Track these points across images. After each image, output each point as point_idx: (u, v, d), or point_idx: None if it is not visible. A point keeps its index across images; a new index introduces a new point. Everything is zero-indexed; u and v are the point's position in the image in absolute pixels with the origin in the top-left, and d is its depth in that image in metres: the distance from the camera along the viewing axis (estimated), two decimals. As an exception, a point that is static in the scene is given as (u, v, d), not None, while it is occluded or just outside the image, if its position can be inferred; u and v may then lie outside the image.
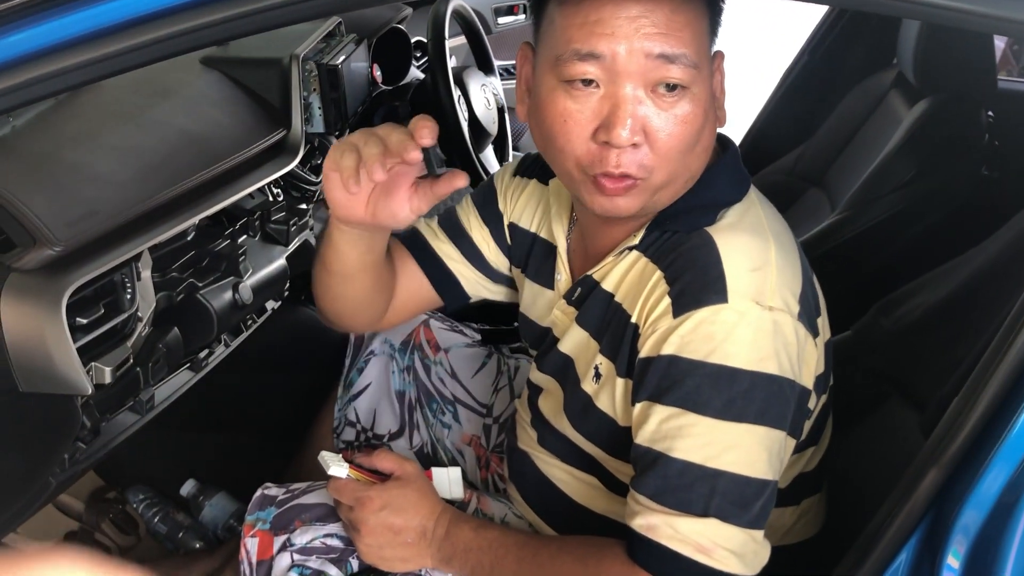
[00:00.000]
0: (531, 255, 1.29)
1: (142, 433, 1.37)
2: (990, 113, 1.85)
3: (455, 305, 1.37)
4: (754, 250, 1.01)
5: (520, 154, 2.37)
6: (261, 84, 1.54)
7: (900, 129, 1.83)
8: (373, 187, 1.07)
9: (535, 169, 1.31)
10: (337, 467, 1.17)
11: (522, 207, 1.31)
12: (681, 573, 0.98)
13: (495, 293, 1.38)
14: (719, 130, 1.09)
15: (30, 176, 1.12)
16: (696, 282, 0.99)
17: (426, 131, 0.98)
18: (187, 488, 1.80)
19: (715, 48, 1.04)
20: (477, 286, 1.36)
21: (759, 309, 0.97)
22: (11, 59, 0.88)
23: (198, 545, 1.75)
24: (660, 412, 0.99)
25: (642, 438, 1.01)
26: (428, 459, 1.51)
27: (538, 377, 1.26)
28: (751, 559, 0.99)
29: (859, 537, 0.98)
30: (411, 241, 1.34)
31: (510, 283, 1.38)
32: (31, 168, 1.14)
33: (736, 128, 2.44)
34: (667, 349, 0.99)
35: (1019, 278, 1.04)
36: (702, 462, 0.97)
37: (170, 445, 1.83)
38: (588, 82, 0.98)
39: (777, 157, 2.28)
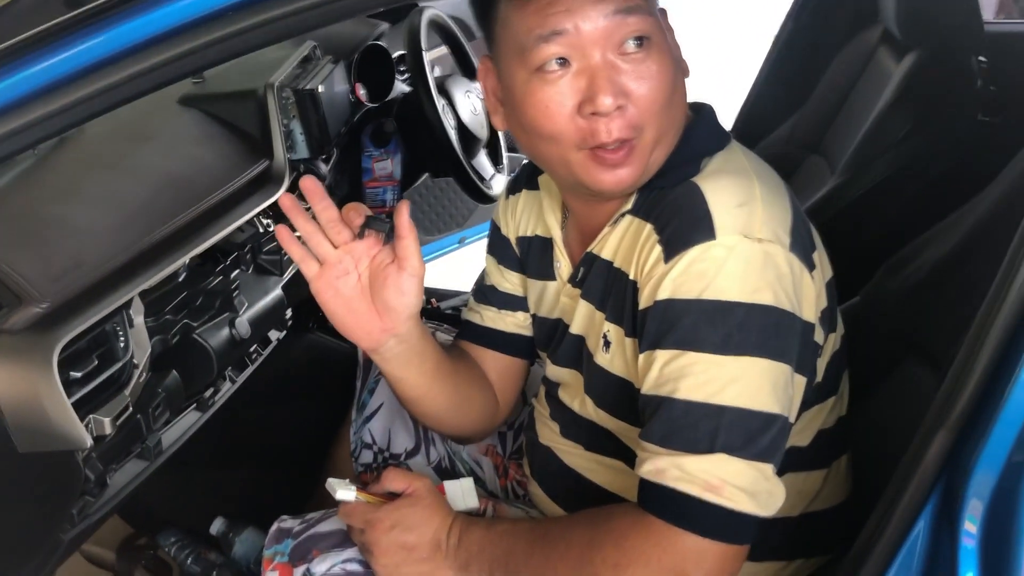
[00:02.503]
0: (529, 255, 1.30)
1: (166, 476, 1.37)
2: (981, 59, 1.80)
3: (535, 356, 1.39)
4: (738, 187, 1.02)
5: (513, 155, 2.37)
6: (239, 117, 1.55)
7: (890, 86, 1.80)
8: (363, 294, 1.13)
9: (522, 181, 1.33)
10: (344, 491, 1.16)
11: (519, 219, 1.32)
12: (690, 515, 0.96)
13: None
14: (693, 100, 1.12)
15: (12, 235, 1.13)
16: (684, 225, 0.99)
17: (350, 212, 1.10)
18: (216, 526, 1.80)
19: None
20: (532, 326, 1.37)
21: (748, 242, 0.97)
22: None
23: (232, 582, 1.76)
24: (661, 357, 0.99)
25: (647, 387, 1.01)
26: (446, 473, 1.50)
27: (554, 372, 1.26)
28: (764, 498, 0.97)
29: (875, 508, 0.95)
30: (464, 332, 1.37)
31: None
32: (12, 227, 1.15)
33: (730, 105, 2.42)
34: (662, 294, 0.99)
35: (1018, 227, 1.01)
36: (705, 399, 0.96)
37: (194, 485, 1.84)
38: (561, 62, 1.01)
39: (773, 129, 2.25)
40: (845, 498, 1.23)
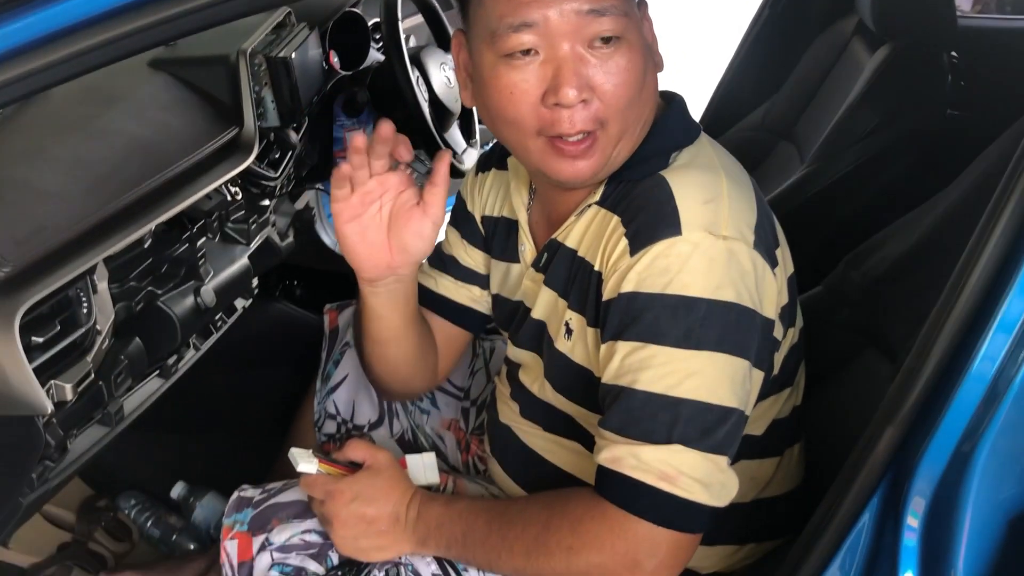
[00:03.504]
0: (495, 236, 1.31)
1: (127, 439, 1.37)
2: (953, 54, 1.83)
3: (482, 329, 1.41)
4: (706, 184, 1.03)
5: (486, 129, 2.36)
6: (210, 83, 1.52)
7: (862, 78, 1.81)
8: (381, 226, 1.13)
9: (492, 160, 1.33)
10: (306, 463, 1.17)
11: (486, 197, 1.33)
12: (645, 503, 0.98)
13: None
14: (665, 88, 1.13)
15: (-26, 198, 1.11)
16: (650, 219, 1.01)
17: (402, 147, 1.08)
18: (177, 490, 1.81)
19: None
20: (486, 301, 1.37)
21: (712, 238, 0.98)
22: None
23: (192, 547, 1.76)
24: (623, 348, 1.01)
25: (608, 376, 1.03)
26: (409, 446, 1.51)
27: (515, 353, 1.27)
28: (718, 489, 1.00)
29: (823, 498, 0.98)
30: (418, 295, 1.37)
31: None
32: (-25, 190, 1.13)
33: (703, 88, 2.43)
34: (626, 287, 1.01)
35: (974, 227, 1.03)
36: (664, 391, 0.98)
37: (157, 449, 1.84)
38: (527, 51, 1.01)
39: (746, 113, 2.26)
40: (797, 485, 1.26)
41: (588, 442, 1.16)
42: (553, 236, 1.16)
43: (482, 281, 1.36)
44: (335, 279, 1.84)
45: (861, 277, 1.45)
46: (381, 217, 1.13)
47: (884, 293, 1.38)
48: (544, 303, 1.17)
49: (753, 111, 2.24)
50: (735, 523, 1.17)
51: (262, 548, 1.19)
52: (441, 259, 1.37)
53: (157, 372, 1.40)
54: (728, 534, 1.18)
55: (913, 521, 0.88)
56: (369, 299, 1.20)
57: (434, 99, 2.04)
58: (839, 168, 1.78)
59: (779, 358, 1.13)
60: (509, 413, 1.28)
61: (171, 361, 1.42)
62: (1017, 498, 0.88)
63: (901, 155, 1.76)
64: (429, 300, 1.36)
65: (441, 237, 1.38)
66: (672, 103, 1.14)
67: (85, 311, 1.16)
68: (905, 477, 0.89)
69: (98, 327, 1.18)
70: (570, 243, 1.13)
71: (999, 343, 0.89)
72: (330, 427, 1.52)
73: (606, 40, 1.00)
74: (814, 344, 1.25)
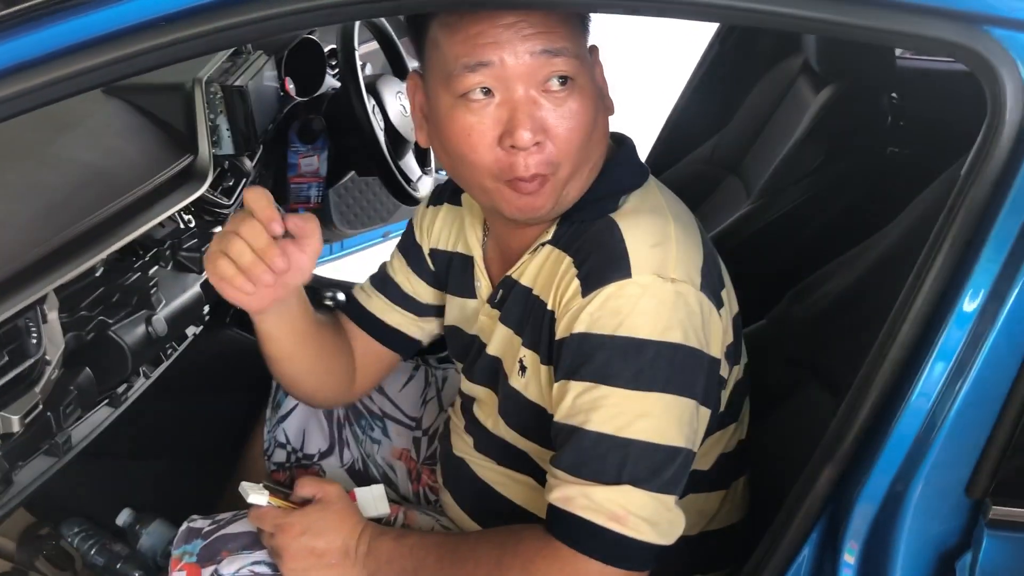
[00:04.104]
0: (450, 271, 1.32)
1: (72, 467, 1.35)
2: (894, 95, 1.89)
3: (411, 352, 1.42)
4: (654, 227, 1.06)
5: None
6: (165, 110, 1.53)
7: (807, 116, 1.86)
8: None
9: (445, 194, 1.35)
10: (256, 495, 1.17)
11: (438, 231, 1.34)
12: (595, 543, 1.00)
13: (439, 326, 1.40)
14: (616, 130, 1.16)
15: (-77, 226, 1.10)
16: (602, 261, 1.03)
17: (275, 224, 1.04)
18: (123, 517, 1.77)
19: (590, 43, 1.10)
20: (418, 329, 1.39)
21: (661, 281, 1.01)
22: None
23: (137, 574, 1.74)
24: (575, 388, 1.03)
25: (560, 415, 1.05)
26: (359, 475, 1.51)
27: (469, 387, 1.28)
28: (665, 527, 1.02)
29: (767, 531, 1.01)
30: (349, 307, 1.38)
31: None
32: (-76, 217, 1.12)
33: (653, 120, 2.47)
34: (578, 327, 1.03)
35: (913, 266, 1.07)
36: (614, 432, 1.00)
37: (102, 476, 1.80)
38: (485, 91, 1.03)
39: (696, 145, 2.31)
40: (742, 517, 1.28)
41: (540, 477, 1.17)
42: (508, 273, 1.18)
43: (419, 309, 1.37)
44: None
45: (804, 312, 1.49)
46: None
47: (826, 328, 1.42)
48: (499, 339, 1.19)
49: (703, 143, 2.29)
50: (681, 556, 1.18)
51: (211, 579, 1.19)
52: (382, 280, 1.38)
53: (106, 401, 1.39)
54: (674, 567, 1.20)
55: (850, 558, 0.91)
56: (259, 324, 1.19)
57: (389, 127, 2.07)
58: (784, 204, 1.82)
59: (725, 395, 1.16)
60: (463, 446, 1.29)
61: (121, 390, 1.41)
62: (948, 532, 0.91)
63: (844, 192, 1.81)
64: (357, 314, 1.37)
65: (386, 258, 1.40)
66: (623, 145, 1.17)
67: (34, 342, 1.15)
68: (843, 514, 0.92)
69: (47, 357, 1.17)
70: (525, 281, 1.15)
71: (936, 375, 0.92)
72: (280, 456, 1.52)
73: (562, 82, 1.03)
74: (758, 377, 1.28)
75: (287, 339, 1.22)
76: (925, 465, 0.90)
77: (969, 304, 0.91)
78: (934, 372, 0.91)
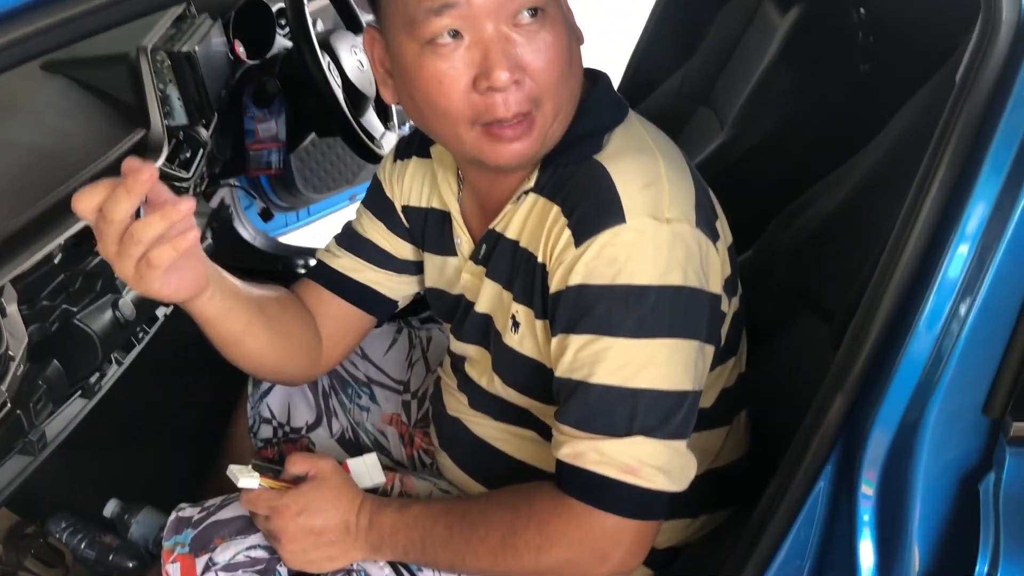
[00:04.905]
0: (427, 228, 1.27)
1: (53, 462, 1.30)
2: (862, 10, 1.84)
3: (387, 315, 1.34)
4: (644, 167, 1.02)
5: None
6: (110, 83, 1.46)
7: (775, 40, 1.81)
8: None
9: (412, 147, 1.28)
10: (247, 479, 1.12)
11: (409, 186, 1.27)
12: (610, 496, 0.99)
13: (418, 284, 1.34)
14: (588, 66, 1.10)
15: None
16: (592, 208, 0.99)
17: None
18: (110, 508, 1.74)
19: None
20: (396, 287, 1.32)
21: (657, 223, 0.98)
22: None
23: (131, 564, 1.70)
24: (575, 342, 1.00)
25: (561, 370, 1.02)
26: (350, 444, 1.48)
27: (459, 347, 1.24)
28: (678, 474, 1.01)
29: (781, 462, 0.98)
30: (316, 271, 1.30)
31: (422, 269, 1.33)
32: None
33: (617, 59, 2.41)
34: (574, 279, 0.99)
35: (906, 180, 1.04)
36: (621, 383, 0.98)
37: (85, 469, 1.76)
38: (453, 34, 0.97)
39: (663, 79, 2.25)
40: (744, 452, 1.27)
41: (542, 430, 1.15)
42: (491, 226, 1.13)
43: (397, 265, 1.30)
44: (258, 277, 1.78)
45: (791, 239, 1.46)
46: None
47: (814, 253, 1.39)
48: (488, 296, 1.14)
49: (670, 77, 2.23)
50: (688, 497, 1.17)
51: (206, 569, 1.15)
52: (350, 238, 1.30)
53: (79, 393, 1.34)
54: (682, 508, 1.18)
55: (867, 489, 0.88)
56: (204, 313, 1.08)
57: (347, 84, 2.00)
58: (760, 131, 1.78)
59: (724, 328, 1.13)
60: (457, 405, 1.26)
61: (93, 379, 1.36)
62: (968, 454, 0.89)
63: (819, 114, 1.76)
64: (325, 277, 1.28)
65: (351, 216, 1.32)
66: (597, 81, 1.12)
67: (-5, 338, 1.10)
68: (858, 444, 0.90)
69: (11, 353, 1.12)
70: (510, 234, 1.10)
71: (944, 295, 0.89)
72: (266, 432, 1.48)
73: (532, 13, 0.97)
74: (751, 310, 1.25)
75: (226, 320, 1.11)
76: (940, 387, 0.87)
77: (974, 219, 0.87)
78: (942, 292, 0.88)
